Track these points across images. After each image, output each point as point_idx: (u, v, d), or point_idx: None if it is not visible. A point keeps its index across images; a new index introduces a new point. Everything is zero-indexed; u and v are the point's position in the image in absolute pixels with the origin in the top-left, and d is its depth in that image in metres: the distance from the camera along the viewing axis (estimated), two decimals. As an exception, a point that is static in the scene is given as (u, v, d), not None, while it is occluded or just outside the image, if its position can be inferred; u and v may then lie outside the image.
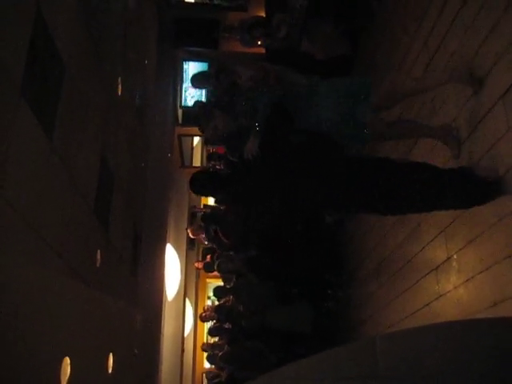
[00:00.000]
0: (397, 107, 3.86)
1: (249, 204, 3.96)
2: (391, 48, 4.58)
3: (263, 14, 7.10)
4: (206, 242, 8.50)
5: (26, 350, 2.15)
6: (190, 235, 8.51)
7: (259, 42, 6.46)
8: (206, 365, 9.80)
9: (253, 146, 3.46)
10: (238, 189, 3.64)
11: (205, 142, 7.36)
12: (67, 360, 2.60)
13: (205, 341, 10.27)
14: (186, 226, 8.78)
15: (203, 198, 9.95)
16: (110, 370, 3.64)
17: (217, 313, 7.56)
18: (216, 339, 8.53)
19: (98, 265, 3.49)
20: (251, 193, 3.58)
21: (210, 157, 8.39)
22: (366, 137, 3.45)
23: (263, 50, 6.84)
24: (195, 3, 9.07)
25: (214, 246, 7.60)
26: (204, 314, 9.23)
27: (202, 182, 3.69)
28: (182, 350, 8.28)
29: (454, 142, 3.27)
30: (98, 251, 3.51)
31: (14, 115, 2.16)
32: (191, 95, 7.82)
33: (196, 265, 9.71)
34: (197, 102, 6.53)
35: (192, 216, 9.20)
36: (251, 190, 3.53)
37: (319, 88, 3.57)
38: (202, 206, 9.88)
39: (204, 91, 7.40)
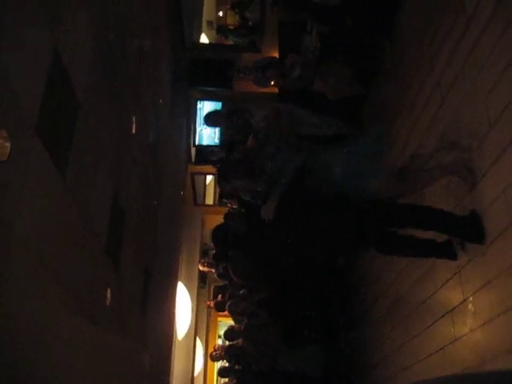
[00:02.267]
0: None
1: (262, 253, 4.06)
2: (403, 88, 4.59)
3: (276, 55, 7.20)
4: (216, 277, 8.47)
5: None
6: (200, 268, 8.49)
7: (272, 82, 6.53)
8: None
9: (271, 208, 3.57)
10: (253, 243, 3.78)
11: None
12: (73, 402, 2.55)
13: (215, 382, 10.10)
14: (197, 264, 8.75)
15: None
16: (117, 412, 3.56)
17: (227, 354, 7.44)
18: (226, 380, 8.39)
19: (107, 303, 3.46)
20: (266, 245, 3.71)
21: (222, 195, 8.40)
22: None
23: (276, 90, 6.91)
24: (209, 44, 9.26)
25: (226, 283, 7.55)
26: (214, 353, 9.09)
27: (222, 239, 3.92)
28: (192, 391, 8.13)
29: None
30: (108, 289, 3.49)
31: (29, 153, 2.17)
32: (207, 134, 7.89)
33: (207, 303, 9.63)
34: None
35: (204, 253, 9.16)
36: (266, 243, 3.68)
37: (334, 153, 3.72)
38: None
39: (218, 130, 7.47)
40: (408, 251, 3.72)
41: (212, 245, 9.50)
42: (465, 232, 3.22)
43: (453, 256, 3.39)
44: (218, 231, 3.98)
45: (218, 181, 4.33)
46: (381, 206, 3.50)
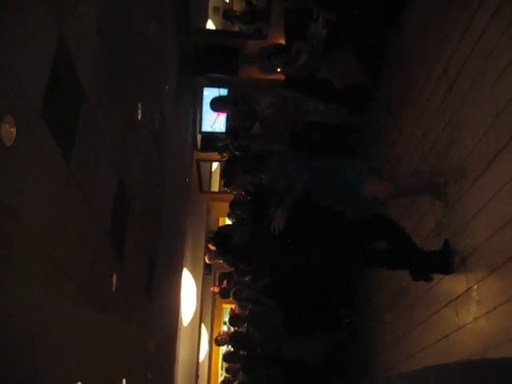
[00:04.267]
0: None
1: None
2: (409, 78, 4.57)
3: (282, 42, 7.16)
4: (225, 265, 8.48)
5: (38, 376, 2.13)
6: (207, 261, 8.50)
7: (278, 69, 6.51)
8: (221, 390, 9.69)
9: (281, 218, 3.68)
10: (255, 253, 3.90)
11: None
12: (79, 386, 2.58)
13: (219, 368, 10.18)
14: (203, 250, 8.77)
15: (221, 221, 9.95)
16: (122, 396, 3.61)
17: (232, 340, 7.49)
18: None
19: (113, 289, 3.48)
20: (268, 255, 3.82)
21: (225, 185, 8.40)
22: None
23: (282, 77, 6.88)
24: (216, 30, 9.20)
25: (232, 270, 7.57)
26: (220, 338, 9.16)
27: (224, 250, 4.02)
28: (197, 376, 8.20)
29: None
30: (114, 275, 3.51)
31: (34, 139, 2.18)
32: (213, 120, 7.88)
33: (212, 289, 9.67)
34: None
35: (209, 240, 9.19)
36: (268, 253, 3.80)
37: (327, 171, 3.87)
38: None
39: (225, 117, 7.45)
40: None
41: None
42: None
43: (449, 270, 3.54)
44: (218, 242, 4.09)
45: (224, 184, 4.42)
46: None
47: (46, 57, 2.30)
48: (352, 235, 3.70)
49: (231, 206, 7.07)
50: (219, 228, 4.22)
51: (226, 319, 9.60)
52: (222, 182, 4.74)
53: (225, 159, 6.87)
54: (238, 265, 6.56)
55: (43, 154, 2.29)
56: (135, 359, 4.18)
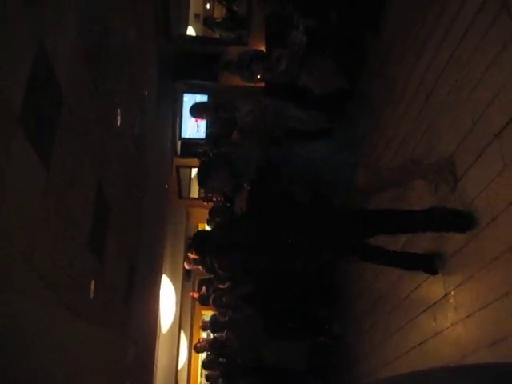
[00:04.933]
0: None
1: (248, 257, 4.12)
2: (389, 82, 4.62)
3: (263, 48, 7.19)
4: (204, 272, 8.44)
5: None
6: (186, 266, 8.47)
7: (258, 76, 6.53)
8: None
9: (244, 200, 3.72)
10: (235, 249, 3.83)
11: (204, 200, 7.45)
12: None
13: (199, 374, 10.13)
14: (182, 257, 8.73)
15: (200, 227, 9.92)
16: (100, 405, 3.57)
17: (212, 347, 7.47)
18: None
19: (91, 296, 3.45)
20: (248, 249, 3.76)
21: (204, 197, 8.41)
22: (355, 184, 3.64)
23: (262, 84, 6.91)
24: (196, 37, 9.21)
25: (211, 277, 7.55)
26: (199, 345, 9.13)
27: (203, 248, 3.95)
28: (176, 383, 8.15)
29: (450, 176, 3.28)
30: (92, 282, 3.48)
31: (11, 143, 2.15)
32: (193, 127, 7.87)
33: (192, 294, 9.64)
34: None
35: (189, 247, 9.15)
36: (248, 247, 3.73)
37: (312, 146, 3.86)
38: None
39: (204, 123, 7.44)
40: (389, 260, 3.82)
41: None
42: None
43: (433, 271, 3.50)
44: (195, 239, 4.04)
45: (199, 184, 4.40)
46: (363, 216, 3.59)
47: (24, 61, 2.28)
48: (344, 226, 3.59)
49: (210, 213, 7.07)
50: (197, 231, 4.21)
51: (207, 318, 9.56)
52: (199, 184, 4.74)
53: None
54: (217, 271, 6.54)
55: (20, 159, 2.26)
56: (113, 367, 4.14)
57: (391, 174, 3.79)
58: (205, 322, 9.00)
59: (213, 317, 7.84)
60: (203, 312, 11.04)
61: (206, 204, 8.11)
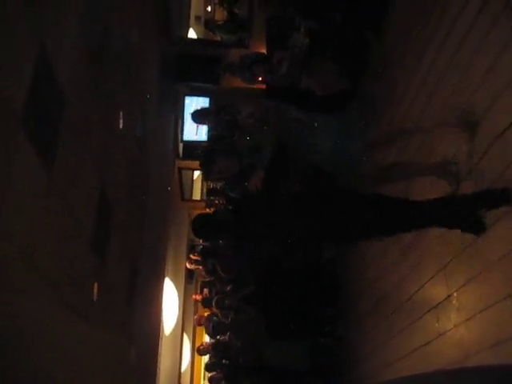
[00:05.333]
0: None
1: (250, 241, 4.00)
2: (391, 84, 4.61)
3: (264, 51, 7.20)
4: (204, 274, 8.47)
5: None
6: (188, 266, 8.49)
7: (260, 79, 6.53)
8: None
9: (259, 178, 3.55)
10: (239, 230, 3.70)
11: (205, 179, 7.41)
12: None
13: (202, 377, 10.12)
14: (184, 259, 8.74)
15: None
16: (103, 407, 3.56)
17: (214, 349, 7.46)
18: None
19: (94, 298, 3.45)
20: (253, 231, 3.63)
21: (209, 191, 8.42)
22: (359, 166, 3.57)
23: (264, 86, 6.91)
24: (197, 39, 9.22)
25: (213, 280, 7.56)
26: (202, 347, 9.12)
27: (204, 229, 3.78)
28: (179, 386, 8.15)
29: (453, 178, 3.27)
30: (95, 285, 3.48)
31: (14, 146, 2.16)
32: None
33: (194, 296, 9.64)
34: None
35: (191, 249, 9.17)
36: (253, 229, 3.58)
37: (314, 124, 3.69)
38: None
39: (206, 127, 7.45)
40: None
41: (199, 241, 9.55)
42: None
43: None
44: (196, 221, 3.88)
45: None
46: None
47: (26, 63, 2.29)
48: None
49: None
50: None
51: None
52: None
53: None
54: (219, 273, 6.54)
55: (23, 161, 2.26)
56: (116, 368, 4.14)
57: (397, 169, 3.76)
58: (201, 317, 8.97)
59: (214, 321, 7.83)
60: (206, 314, 11.02)
61: (208, 209, 8.14)
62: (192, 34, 9.50)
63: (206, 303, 8.57)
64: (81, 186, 3.14)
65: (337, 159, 3.63)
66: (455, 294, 3.28)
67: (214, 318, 7.74)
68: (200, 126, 7.44)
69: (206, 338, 10.88)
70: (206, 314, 8.84)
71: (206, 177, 4.93)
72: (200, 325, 9.11)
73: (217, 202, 7.90)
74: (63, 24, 2.78)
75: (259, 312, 6.21)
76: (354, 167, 3.60)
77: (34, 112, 2.33)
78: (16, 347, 2.06)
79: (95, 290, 3.45)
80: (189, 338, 9.71)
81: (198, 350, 9.17)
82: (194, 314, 10.35)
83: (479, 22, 3.05)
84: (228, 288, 7.16)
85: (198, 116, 6.21)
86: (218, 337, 7.64)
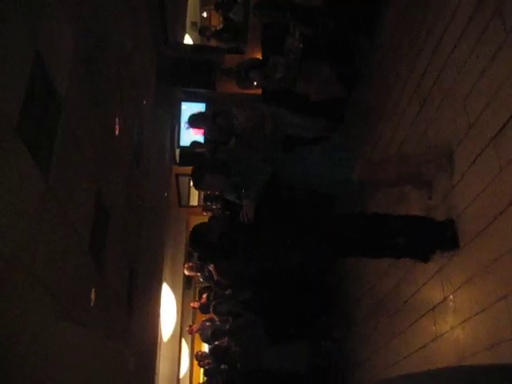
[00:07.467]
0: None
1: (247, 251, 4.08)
2: (384, 90, 4.64)
3: (259, 56, 7.23)
4: (202, 280, 8.46)
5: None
6: (186, 272, 8.49)
7: (255, 83, 6.56)
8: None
9: (249, 211, 3.65)
10: (234, 254, 3.81)
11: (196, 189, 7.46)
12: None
13: (201, 381, 10.11)
14: (182, 265, 8.74)
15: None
16: (101, 414, 3.55)
17: (212, 354, 7.45)
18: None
19: (91, 304, 3.45)
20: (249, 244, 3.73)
21: (206, 197, 8.43)
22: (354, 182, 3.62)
23: (260, 91, 6.94)
24: (193, 45, 9.25)
25: (211, 285, 7.55)
26: (201, 363, 9.06)
27: (201, 251, 3.91)
28: (178, 392, 8.13)
29: (447, 164, 3.30)
30: (92, 290, 3.48)
31: (10, 153, 2.17)
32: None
33: (192, 304, 9.63)
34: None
35: (189, 254, 9.17)
36: (248, 256, 3.72)
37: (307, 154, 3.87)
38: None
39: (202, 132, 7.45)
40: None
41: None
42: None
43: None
44: (194, 237, 3.99)
45: (194, 181, 4.39)
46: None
47: (22, 71, 2.30)
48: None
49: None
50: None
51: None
52: (192, 183, 4.74)
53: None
54: (217, 279, 6.55)
55: (19, 168, 2.27)
56: (114, 376, 4.13)
57: (391, 165, 3.77)
58: (191, 327, 8.99)
59: (214, 326, 7.83)
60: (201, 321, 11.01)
61: (205, 214, 8.15)
62: (188, 39, 9.53)
63: (203, 309, 8.57)
64: (78, 192, 3.15)
65: (332, 182, 3.72)
66: (451, 297, 3.30)
67: (208, 323, 7.75)
68: (195, 131, 7.45)
69: (205, 345, 10.88)
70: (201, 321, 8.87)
71: (196, 188, 5.06)
72: (193, 334, 9.11)
73: (214, 207, 7.91)
74: (59, 32, 2.79)
75: (257, 316, 6.22)
76: (350, 188, 3.68)
77: (31, 119, 2.34)
78: (11, 354, 2.06)
79: (93, 297, 3.46)
80: (187, 343, 9.69)
81: (197, 356, 9.16)
82: (193, 320, 10.34)
83: (471, 27, 3.08)
84: (226, 292, 7.16)
85: (194, 120, 6.22)
86: (217, 342, 7.64)
